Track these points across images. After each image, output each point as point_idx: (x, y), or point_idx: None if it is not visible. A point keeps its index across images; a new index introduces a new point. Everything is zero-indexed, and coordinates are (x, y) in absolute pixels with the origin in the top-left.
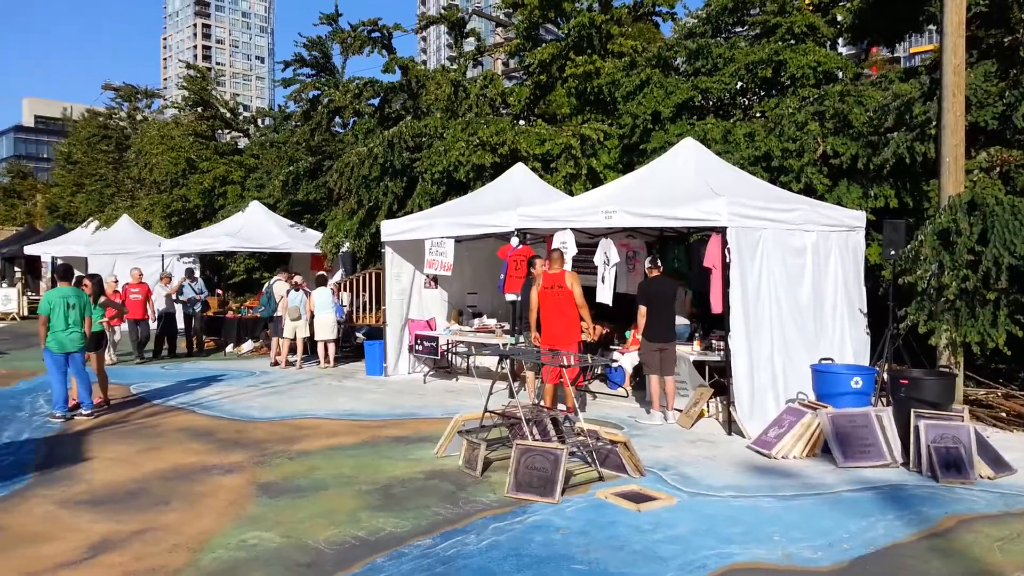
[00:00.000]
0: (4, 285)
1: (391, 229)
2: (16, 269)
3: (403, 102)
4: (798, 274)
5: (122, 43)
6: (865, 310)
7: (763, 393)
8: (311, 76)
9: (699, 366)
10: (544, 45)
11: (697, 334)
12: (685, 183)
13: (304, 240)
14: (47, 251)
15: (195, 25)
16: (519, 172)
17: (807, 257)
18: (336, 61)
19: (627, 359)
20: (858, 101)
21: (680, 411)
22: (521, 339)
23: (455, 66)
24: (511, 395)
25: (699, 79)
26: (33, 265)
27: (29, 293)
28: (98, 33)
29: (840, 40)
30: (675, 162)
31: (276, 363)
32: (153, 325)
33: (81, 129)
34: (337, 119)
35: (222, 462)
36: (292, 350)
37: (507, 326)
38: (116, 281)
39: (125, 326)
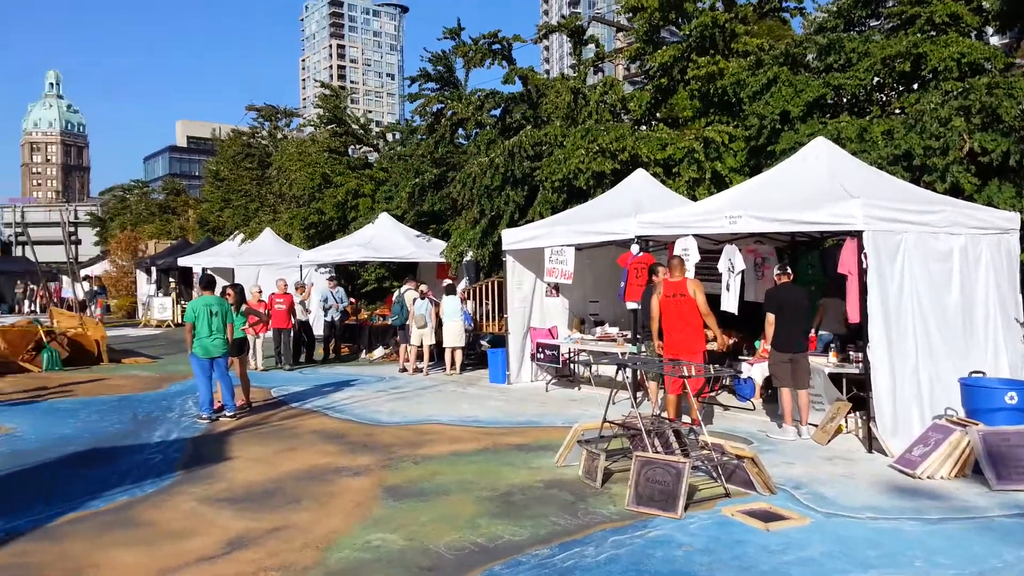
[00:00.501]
0: (160, 295)
1: (512, 238)
2: (171, 280)
3: (523, 112)
4: (944, 280)
5: (265, 66)
6: (1022, 319)
7: (907, 408)
8: (435, 90)
9: (835, 379)
10: (665, 48)
11: (833, 345)
12: (816, 185)
13: (430, 250)
14: (198, 262)
15: (330, 46)
16: (639, 178)
17: (954, 262)
18: (459, 74)
19: (757, 370)
20: (1008, 94)
21: (815, 426)
22: (643, 348)
23: (575, 74)
24: (633, 405)
25: (831, 76)
26: (186, 276)
27: (183, 302)
28: (243, 58)
29: (989, 29)
30: (805, 163)
31: (404, 369)
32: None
33: (227, 148)
34: (460, 131)
35: (351, 464)
36: (420, 357)
37: (629, 335)
38: (260, 291)
39: (270, 333)
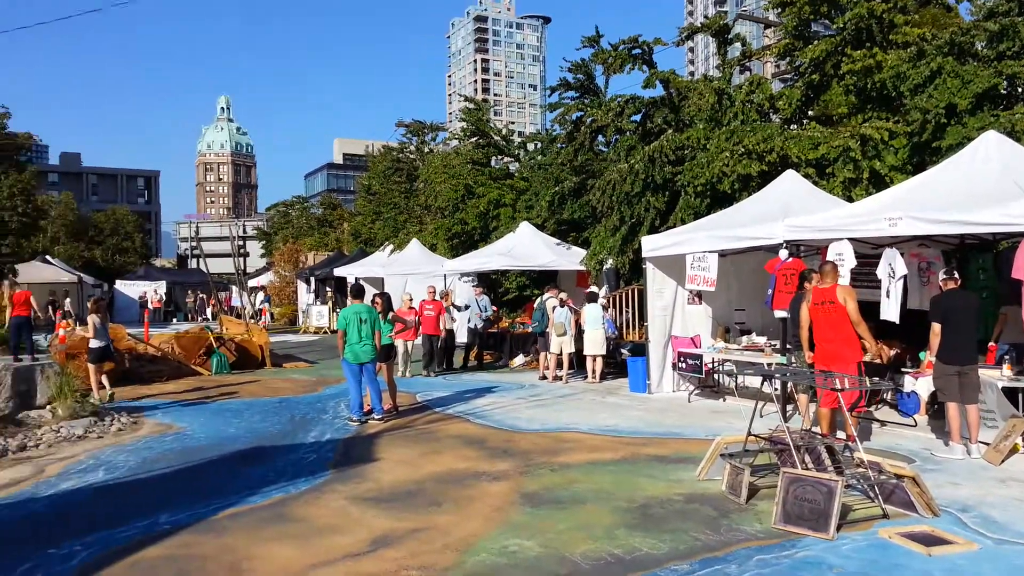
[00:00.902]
0: (318, 303)
1: (652, 244)
2: (327, 289)
3: (664, 116)
4: None
5: (414, 84)
6: None
7: None
8: (575, 98)
9: (1010, 393)
10: (816, 42)
11: (1008, 356)
12: (987, 183)
13: (570, 258)
14: (351, 272)
15: (475, 60)
16: (789, 179)
17: None
18: (599, 81)
19: (921, 384)
20: None
21: (986, 445)
22: (793, 359)
23: (720, 74)
24: (782, 419)
25: (1004, 64)
26: (341, 285)
27: (339, 310)
28: (395, 77)
29: None
30: (974, 159)
31: (544, 377)
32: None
33: (378, 163)
34: (599, 138)
35: (490, 469)
36: (560, 364)
37: (777, 344)
38: (411, 299)
39: (419, 340)
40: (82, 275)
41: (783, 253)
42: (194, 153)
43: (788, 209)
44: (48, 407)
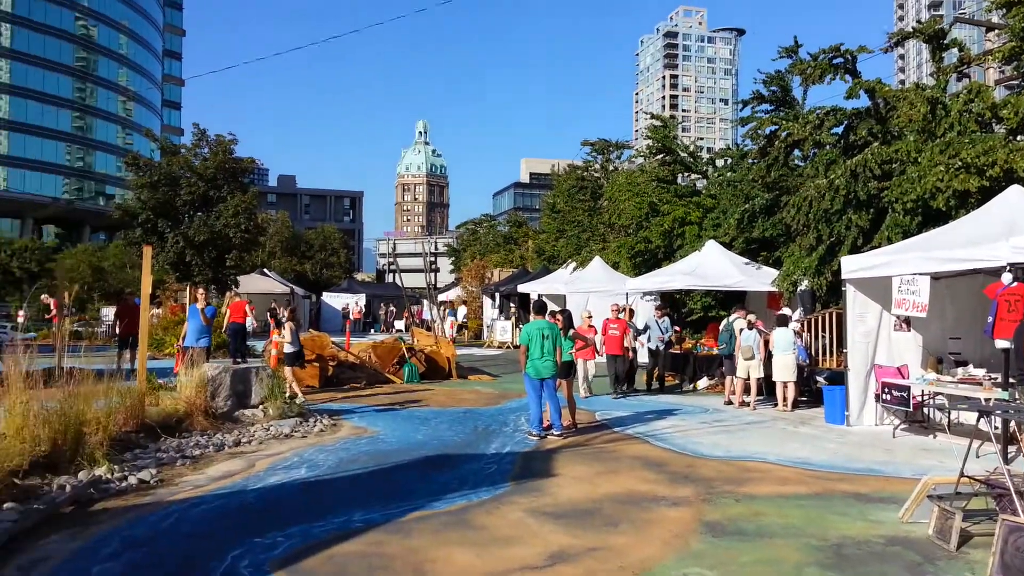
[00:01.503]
0: (502, 318)
1: (853, 265)
2: (511, 305)
3: (869, 128)
4: None
5: (601, 104)
6: None
7: None
8: (769, 111)
9: None
10: None
11: None
12: None
13: (759, 278)
14: (534, 289)
15: (663, 76)
16: (1015, 195)
17: None
18: (796, 93)
19: None
20: None
21: None
22: (1017, 394)
23: (934, 82)
24: (1002, 460)
25: None
26: (524, 301)
27: (521, 325)
28: (582, 97)
29: None
30: None
31: (730, 402)
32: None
33: (563, 182)
34: (795, 152)
35: (670, 494)
36: (747, 390)
37: (998, 378)
38: (591, 316)
39: (599, 358)
40: (294, 287)
41: (1006, 277)
42: (393, 174)
43: (1013, 228)
44: (260, 407)
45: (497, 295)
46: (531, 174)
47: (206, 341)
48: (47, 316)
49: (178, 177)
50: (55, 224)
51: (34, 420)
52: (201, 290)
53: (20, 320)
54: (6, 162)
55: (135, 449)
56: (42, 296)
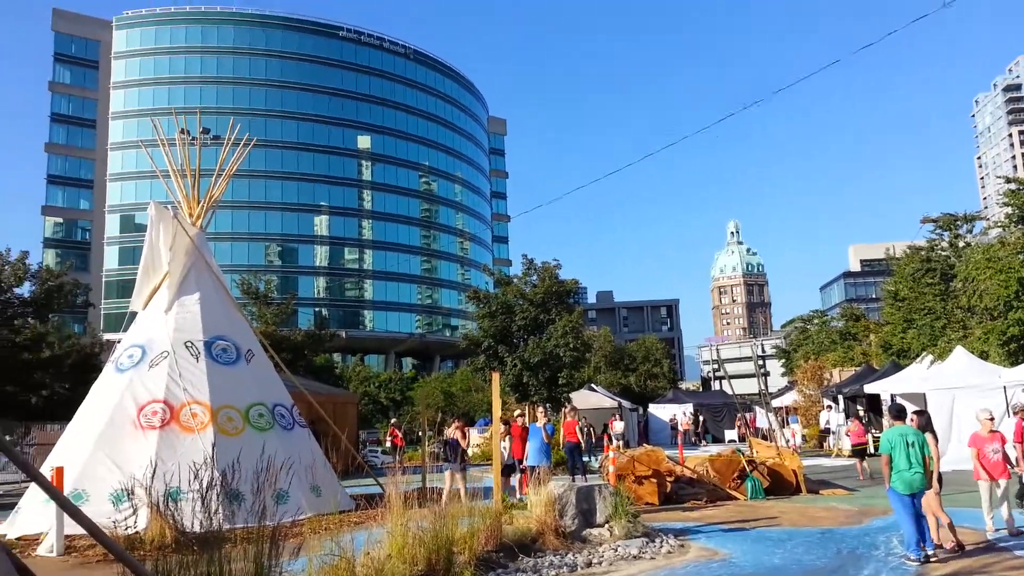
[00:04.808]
0: (848, 422)
1: None
2: (859, 407)
3: None
4: None
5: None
6: None
7: None
8: None
9: None
10: None
11: None
12: None
13: None
14: (885, 388)
15: (1010, 135)
16: None
17: None
18: None
19: None
20: None
21: None
22: None
23: None
24: None
25: None
26: (873, 403)
27: (873, 431)
28: (911, 171)
29: None
30: None
31: None
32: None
33: (904, 266)
34: None
35: None
36: None
37: None
38: (992, 419)
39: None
40: (621, 400)
41: None
42: (708, 278)
43: None
44: (606, 526)
45: (841, 397)
46: (861, 261)
47: (547, 459)
48: (392, 442)
49: (512, 305)
50: (411, 356)
51: (412, 541)
52: (541, 409)
53: (387, 444)
54: (372, 306)
55: (497, 569)
56: (391, 425)
